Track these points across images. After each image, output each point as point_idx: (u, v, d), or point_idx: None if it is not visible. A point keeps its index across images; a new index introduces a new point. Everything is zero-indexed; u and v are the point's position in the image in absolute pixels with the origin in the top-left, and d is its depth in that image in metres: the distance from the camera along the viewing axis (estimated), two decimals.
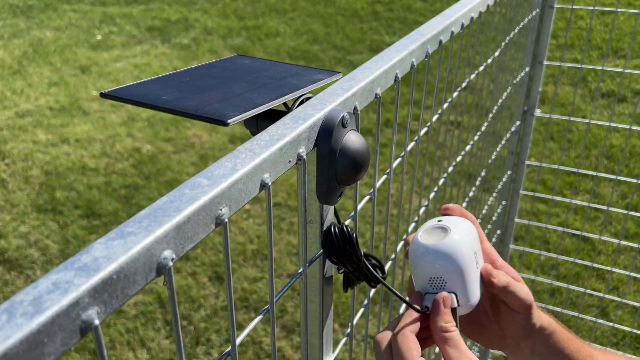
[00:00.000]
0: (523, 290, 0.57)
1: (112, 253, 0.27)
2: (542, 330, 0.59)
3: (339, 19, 5.08)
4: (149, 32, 4.87)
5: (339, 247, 0.45)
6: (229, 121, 0.37)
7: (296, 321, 2.28)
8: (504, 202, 1.51)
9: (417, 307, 0.52)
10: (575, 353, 0.60)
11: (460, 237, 0.55)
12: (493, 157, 1.24)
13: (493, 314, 0.60)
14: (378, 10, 5.24)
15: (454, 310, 0.53)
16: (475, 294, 0.55)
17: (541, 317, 0.59)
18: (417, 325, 0.53)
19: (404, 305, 0.85)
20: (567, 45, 4.46)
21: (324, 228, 0.49)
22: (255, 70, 0.48)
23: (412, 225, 0.77)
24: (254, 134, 0.48)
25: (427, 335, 0.55)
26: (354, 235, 0.46)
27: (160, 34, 4.82)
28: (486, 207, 1.32)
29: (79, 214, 2.81)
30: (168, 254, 0.30)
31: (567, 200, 1.54)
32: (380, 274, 0.53)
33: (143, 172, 3.12)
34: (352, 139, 0.44)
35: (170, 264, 0.30)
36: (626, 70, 1.31)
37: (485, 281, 0.57)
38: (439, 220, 0.57)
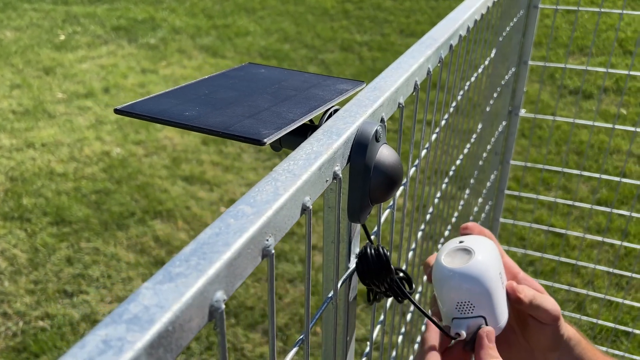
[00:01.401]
0: (549, 302, 0.56)
1: (164, 300, 0.24)
2: (568, 341, 0.59)
3: (309, 17, 5.05)
4: (115, 32, 4.75)
5: (376, 269, 0.43)
6: (265, 140, 0.34)
7: (278, 326, 2.24)
8: (490, 203, 1.51)
9: (450, 334, 0.51)
10: None
11: (485, 259, 0.53)
12: (484, 156, 1.23)
13: (520, 329, 0.59)
14: (348, 9, 5.23)
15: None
16: (504, 315, 0.54)
17: (567, 328, 0.59)
18: (437, 343, 0.52)
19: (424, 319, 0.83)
20: (535, 43, 4.54)
21: (351, 247, 0.46)
22: (274, 80, 0.45)
23: (420, 234, 0.75)
24: (276, 149, 0.45)
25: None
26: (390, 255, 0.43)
27: (126, 34, 4.71)
28: (476, 209, 1.31)
29: (48, 221, 2.71)
30: (220, 295, 0.27)
31: (552, 199, 1.54)
32: (408, 289, 0.51)
33: (114, 177, 3.03)
34: (386, 154, 0.41)
35: (223, 306, 0.27)
36: (609, 70, 1.32)
37: (512, 298, 0.56)
38: (460, 242, 0.55)
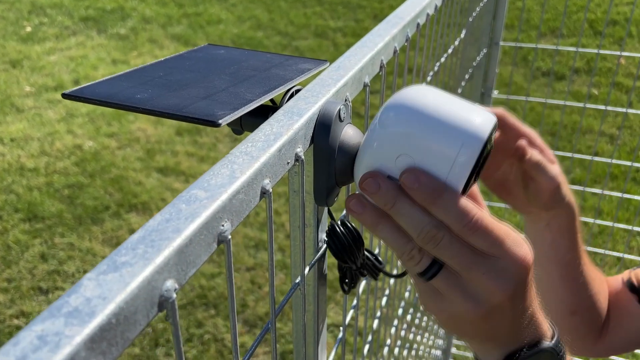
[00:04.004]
0: (553, 170, 0.62)
1: (107, 291, 0.23)
2: (565, 207, 0.65)
3: (281, 4, 5.00)
4: (83, 22, 4.64)
5: (348, 244, 0.42)
6: (220, 121, 0.32)
7: (258, 315, 2.24)
8: None
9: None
10: (578, 243, 0.68)
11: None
12: None
13: (523, 185, 0.65)
14: None
15: None
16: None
17: (569, 196, 0.65)
18: None
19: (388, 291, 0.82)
20: (507, 26, 4.56)
21: (319, 231, 0.45)
22: (233, 61, 0.44)
23: None
24: (237, 132, 0.44)
25: None
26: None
27: (95, 25, 4.60)
28: None
29: (20, 217, 2.65)
30: (170, 284, 0.25)
31: None
32: (378, 263, 0.50)
33: (86, 170, 2.97)
34: (351, 134, 0.40)
35: (174, 296, 0.25)
36: (580, 50, 1.32)
37: (519, 155, 0.61)
38: None
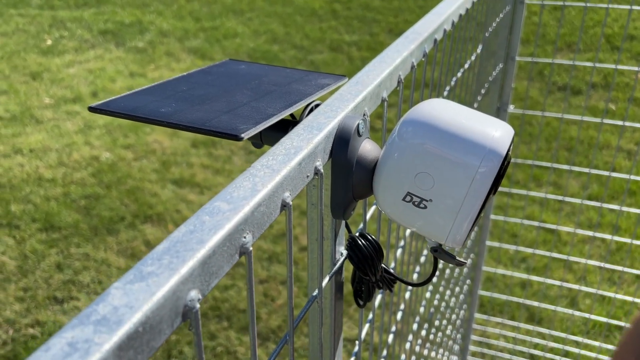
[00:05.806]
0: None
1: (134, 300, 0.23)
2: None
3: (297, 18, 5.04)
4: (102, 35, 4.72)
5: (370, 256, 0.42)
6: (242, 135, 0.33)
7: (270, 328, 2.23)
8: None
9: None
10: None
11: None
12: None
13: None
14: (336, 9, 5.23)
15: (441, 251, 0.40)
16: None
17: None
18: None
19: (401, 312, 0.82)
20: (523, 40, 4.56)
21: (336, 244, 0.45)
22: (254, 76, 0.44)
23: (408, 231, 0.74)
24: (257, 145, 0.44)
25: None
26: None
27: (114, 38, 4.68)
28: None
29: (37, 227, 2.68)
30: (194, 294, 0.26)
31: (542, 195, 1.55)
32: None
33: (103, 181, 3.01)
34: (369, 149, 0.41)
35: (197, 306, 0.26)
36: (597, 65, 1.32)
37: None
38: None
